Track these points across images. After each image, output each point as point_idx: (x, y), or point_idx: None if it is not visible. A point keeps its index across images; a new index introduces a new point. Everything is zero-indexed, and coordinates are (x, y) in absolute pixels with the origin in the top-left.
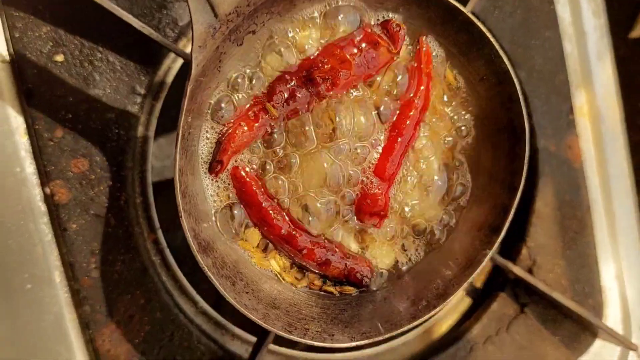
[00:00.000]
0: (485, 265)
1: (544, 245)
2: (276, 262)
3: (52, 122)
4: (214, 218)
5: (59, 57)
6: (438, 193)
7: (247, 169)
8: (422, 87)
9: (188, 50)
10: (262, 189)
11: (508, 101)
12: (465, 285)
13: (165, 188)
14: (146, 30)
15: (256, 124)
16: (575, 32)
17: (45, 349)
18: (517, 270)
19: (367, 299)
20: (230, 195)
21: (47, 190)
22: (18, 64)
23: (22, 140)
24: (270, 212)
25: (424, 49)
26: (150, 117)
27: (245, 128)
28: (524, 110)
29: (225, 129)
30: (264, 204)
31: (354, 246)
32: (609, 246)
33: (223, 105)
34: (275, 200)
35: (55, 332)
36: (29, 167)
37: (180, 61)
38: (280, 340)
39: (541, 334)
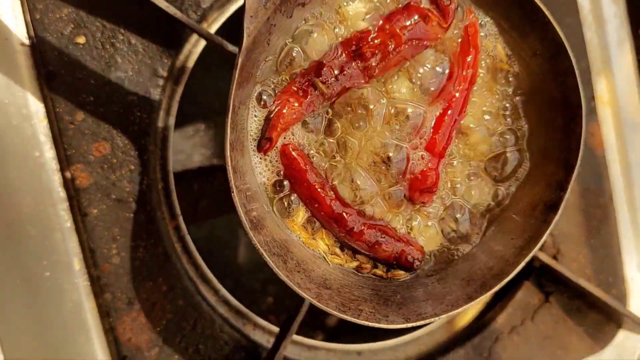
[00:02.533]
0: None
1: (568, 233)
2: (324, 243)
3: (73, 105)
4: (263, 196)
5: (81, 39)
6: (488, 171)
7: (296, 146)
8: (470, 58)
9: (212, 31)
10: (311, 167)
11: (562, 75)
12: (523, 264)
13: (180, 180)
14: (171, 10)
15: (305, 100)
16: (594, 20)
17: (65, 337)
18: (543, 256)
19: (420, 281)
20: (279, 173)
21: (68, 174)
22: (39, 47)
23: (42, 124)
24: (319, 190)
25: (472, 20)
26: (171, 101)
27: (295, 104)
28: (579, 84)
29: (274, 105)
30: (313, 182)
31: (401, 229)
32: (631, 235)
33: (272, 80)
34: (325, 178)
35: (74, 321)
36: (49, 152)
37: (201, 45)
38: (302, 331)
39: (566, 324)
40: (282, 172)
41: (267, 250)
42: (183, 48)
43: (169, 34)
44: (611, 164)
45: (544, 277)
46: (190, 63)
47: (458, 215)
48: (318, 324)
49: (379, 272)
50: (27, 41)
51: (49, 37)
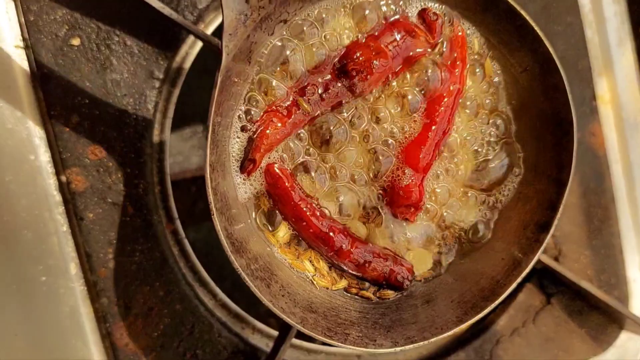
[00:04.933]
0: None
1: (569, 234)
2: (310, 264)
3: (68, 108)
4: (247, 218)
5: (75, 41)
6: (477, 190)
7: (281, 167)
8: (457, 72)
9: (209, 32)
10: (297, 186)
11: (553, 91)
12: (514, 285)
13: (178, 182)
14: (166, 11)
15: (289, 120)
16: (595, 19)
17: (61, 343)
18: (545, 258)
19: (409, 303)
20: (263, 194)
21: (63, 178)
22: (33, 49)
23: (37, 127)
24: (305, 208)
25: (459, 33)
26: (168, 103)
27: (279, 124)
28: (570, 100)
29: (257, 125)
30: (298, 202)
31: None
32: (633, 236)
33: (253, 100)
34: (310, 198)
35: (70, 326)
36: (44, 155)
37: (197, 47)
38: (301, 334)
39: (568, 326)
40: (267, 195)
41: (250, 274)
42: (179, 49)
43: (165, 36)
44: (613, 163)
45: (545, 279)
46: (187, 64)
47: (445, 233)
48: None
49: (367, 293)
50: (21, 43)
51: (43, 39)
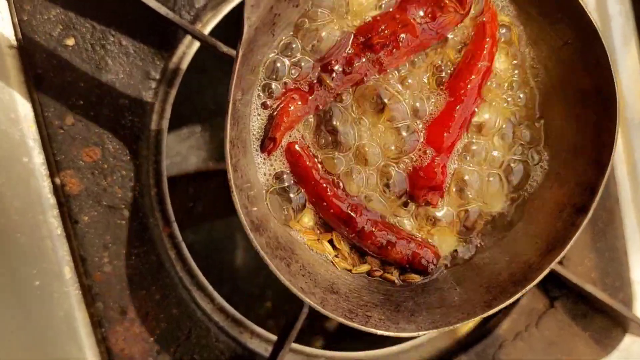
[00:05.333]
0: None
1: None
2: (331, 246)
3: (62, 109)
4: (266, 198)
5: (70, 41)
6: (505, 173)
7: (303, 144)
8: (486, 48)
9: (206, 32)
10: (318, 165)
11: (595, 66)
12: (547, 270)
13: (176, 183)
14: (163, 10)
15: (310, 97)
16: (600, 17)
17: (55, 348)
18: None
19: (435, 286)
20: (285, 175)
21: (57, 180)
22: (26, 49)
23: (30, 129)
24: (327, 188)
25: (489, 7)
26: (164, 104)
27: (299, 102)
28: (614, 76)
29: (278, 102)
30: (320, 180)
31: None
32: (638, 238)
33: (275, 75)
34: (333, 177)
35: (65, 331)
36: (38, 157)
37: (195, 47)
38: (301, 337)
39: (571, 330)
40: (288, 176)
41: (270, 253)
42: (176, 49)
43: (161, 35)
44: (617, 164)
45: (549, 282)
46: (184, 65)
47: (472, 218)
48: (318, 329)
49: (390, 276)
50: (14, 43)
51: (37, 38)
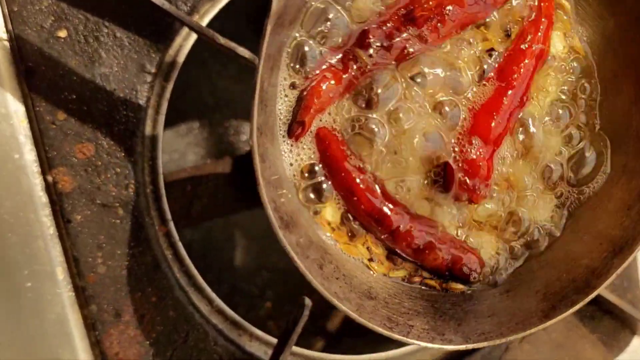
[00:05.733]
0: None
1: None
2: (366, 249)
3: (54, 104)
4: (294, 189)
5: (62, 33)
6: (557, 172)
7: (333, 133)
8: (541, 30)
9: (204, 24)
10: (349, 154)
11: None
12: (614, 276)
13: (173, 181)
14: (158, 1)
15: (345, 76)
16: None
17: (48, 351)
18: None
19: (486, 291)
20: (316, 167)
21: (49, 178)
22: (17, 41)
23: (21, 124)
24: (358, 180)
25: None
26: (160, 99)
27: (332, 81)
28: None
29: (308, 82)
30: (351, 170)
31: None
32: None
33: (305, 53)
34: (364, 164)
35: (58, 334)
36: (29, 154)
37: (192, 39)
38: (301, 338)
39: (579, 332)
40: (318, 166)
41: (300, 252)
42: (173, 42)
43: (157, 27)
44: None
45: None
46: (181, 58)
47: (522, 224)
48: (318, 330)
49: (432, 282)
50: (4, 35)
51: (27, 30)
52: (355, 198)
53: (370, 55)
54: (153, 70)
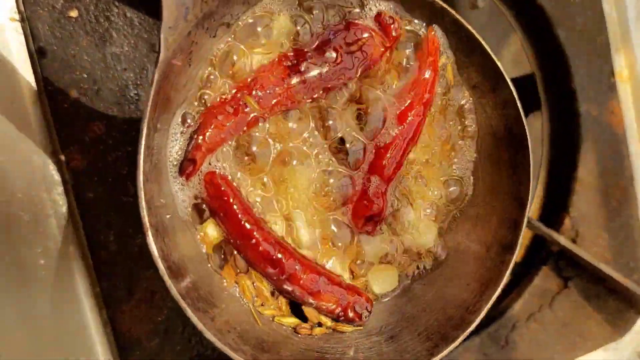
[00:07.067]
0: (524, 238)
1: (587, 215)
2: (251, 284)
3: (66, 83)
4: (187, 230)
5: (73, 13)
6: (436, 208)
7: (224, 175)
8: (428, 78)
9: None
10: (242, 201)
11: (503, 107)
12: (485, 311)
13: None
14: None
15: (235, 119)
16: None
17: (59, 329)
18: (563, 240)
19: (370, 340)
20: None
21: (62, 157)
22: (29, 22)
23: (34, 104)
24: (252, 227)
25: (432, 38)
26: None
27: (225, 123)
28: (522, 115)
29: (199, 121)
30: (244, 218)
31: (345, 275)
32: None
33: (194, 102)
34: (257, 215)
35: (70, 311)
36: (41, 133)
37: None
38: None
39: (585, 311)
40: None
41: (191, 304)
42: None
43: None
44: (631, 142)
45: (562, 262)
46: None
47: (404, 253)
48: None
49: (320, 330)
50: (16, 16)
51: (39, 11)
52: (250, 244)
53: (259, 101)
54: None
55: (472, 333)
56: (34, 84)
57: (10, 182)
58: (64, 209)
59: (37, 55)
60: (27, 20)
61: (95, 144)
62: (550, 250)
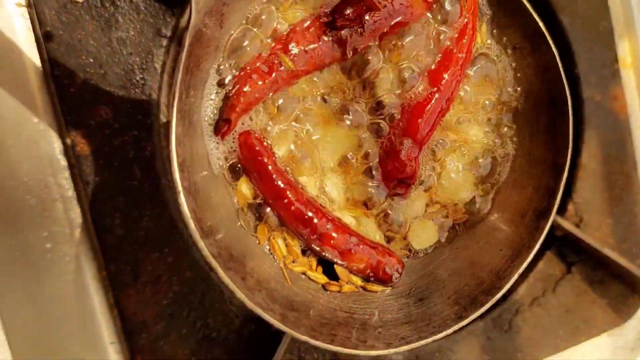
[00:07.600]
0: None
1: (590, 201)
2: (284, 243)
3: (72, 68)
4: (222, 185)
5: None
6: (476, 170)
7: (258, 135)
8: (465, 40)
9: None
10: (275, 161)
11: (545, 70)
12: (516, 277)
13: None
14: None
15: (269, 78)
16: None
17: (66, 312)
18: (566, 224)
19: (400, 302)
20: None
21: (68, 141)
22: (35, 6)
23: (40, 88)
24: (285, 186)
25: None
26: (175, 63)
27: (260, 82)
28: (564, 80)
29: (234, 82)
30: (277, 178)
31: (377, 236)
32: None
33: (227, 62)
34: (290, 174)
35: (76, 295)
36: (48, 117)
37: None
38: None
39: (588, 296)
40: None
41: (222, 264)
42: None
43: None
44: (635, 128)
45: (566, 247)
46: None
47: (440, 216)
48: None
49: (348, 287)
50: (23, 1)
51: None
52: (283, 203)
53: (293, 60)
54: (168, 34)
55: (476, 317)
56: (40, 68)
57: (17, 166)
58: (70, 193)
59: (44, 40)
60: (33, 6)
61: (101, 128)
62: (554, 234)
